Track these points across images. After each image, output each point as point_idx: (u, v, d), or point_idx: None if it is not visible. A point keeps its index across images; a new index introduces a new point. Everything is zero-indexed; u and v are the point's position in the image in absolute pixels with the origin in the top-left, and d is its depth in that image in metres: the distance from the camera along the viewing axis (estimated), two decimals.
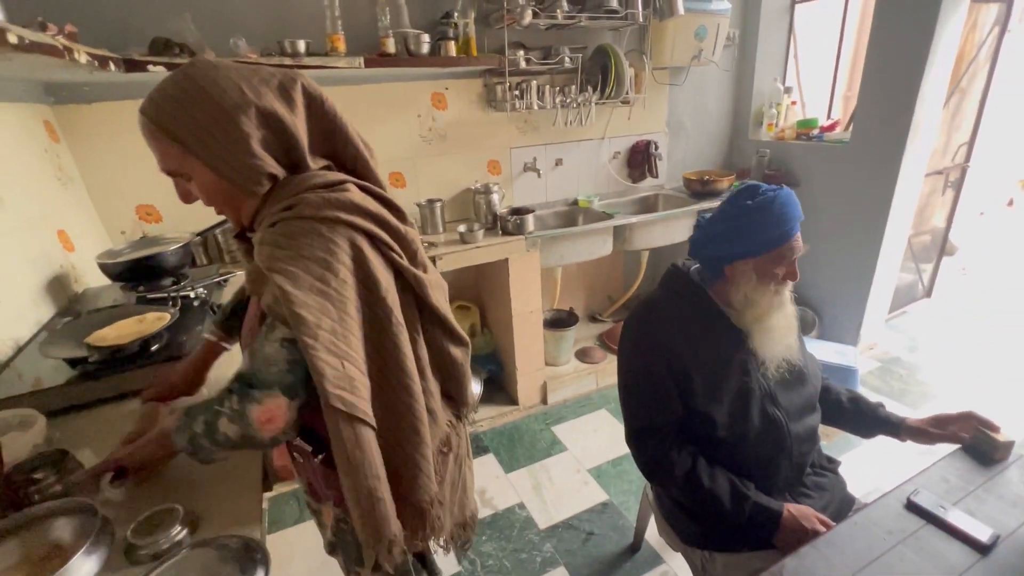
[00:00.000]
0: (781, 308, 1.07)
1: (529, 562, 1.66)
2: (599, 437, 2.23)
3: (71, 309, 1.38)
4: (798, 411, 1.10)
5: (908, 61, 2.17)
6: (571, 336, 2.60)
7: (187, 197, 0.76)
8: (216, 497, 0.80)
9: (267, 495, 1.98)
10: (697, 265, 1.16)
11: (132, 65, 1.44)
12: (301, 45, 1.72)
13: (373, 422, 0.73)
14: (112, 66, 1.39)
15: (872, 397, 1.21)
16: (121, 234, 1.88)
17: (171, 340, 1.17)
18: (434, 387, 0.87)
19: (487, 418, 2.37)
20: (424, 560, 1.35)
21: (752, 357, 1.07)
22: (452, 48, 1.97)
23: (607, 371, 2.59)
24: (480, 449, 2.20)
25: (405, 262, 0.80)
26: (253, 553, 0.66)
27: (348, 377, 0.70)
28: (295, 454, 0.93)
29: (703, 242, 1.08)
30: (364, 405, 0.72)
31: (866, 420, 1.16)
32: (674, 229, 2.52)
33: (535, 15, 2.02)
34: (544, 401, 2.48)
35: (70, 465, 0.77)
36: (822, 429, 1.16)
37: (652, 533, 1.61)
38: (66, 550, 0.64)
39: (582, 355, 2.69)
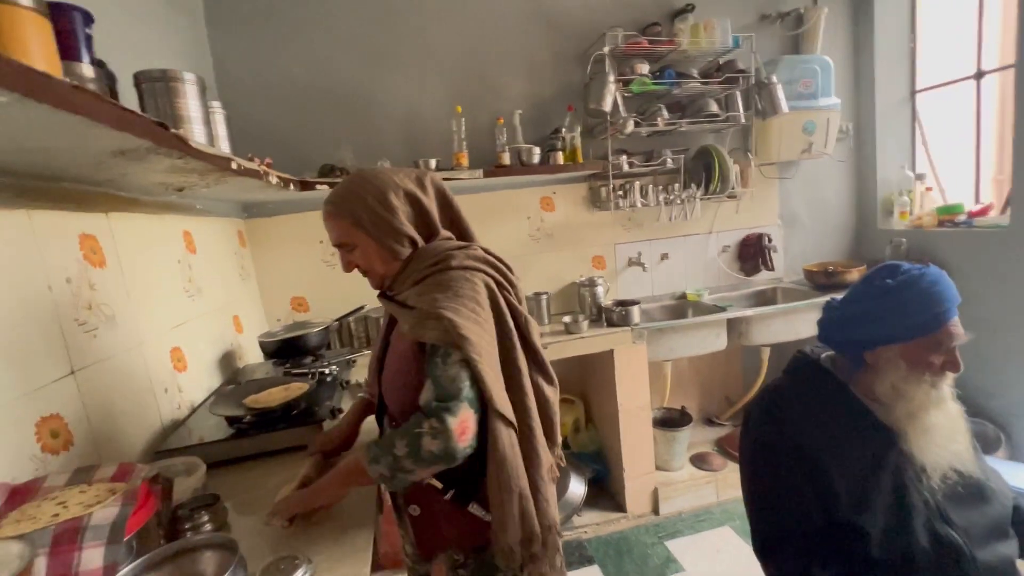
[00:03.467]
0: (940, 404, 0.92)
1: None
2: (723, 560, 1.93)
3: (234, 379, 1.62)
4: (983, 535, 0.89)
5: None
6: (684, 438, 2.39)
7: (349, 266, 0.96)
8: (330, 553, 0.83)
9: None
10: (829, 352, 1.06)
11: (305, 185, 1.81)
12: (432, 163, 2.04)
13: (518, 430, 0.86)
14: (292, 186, 1.76)
15: None
16: (277, 320, 2.22)
17: (308, 407, 1.31)
18: (538, 417, 0.95)
19: (592, 524, 2.19)
20: None
21: (909, 462, 0.91)
22: (560, 157, 2.19)
23: (728, 481, 2.30)
24: (584, 559, 2.01)
25: (515, 302, 0.96)
26: None
27: (500, 389, 0.84)
28: (414, 506, 0.97)
29: (837, 325, 0.99)
30: (512, 414, 0.85)
31: None
32: (797, 323, 2.32)
33: (637, 124, 2.19)
34: (655, 511, 2.25)
35: (220, 508, 0.87)
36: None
37: None
38: None
39: (698, 461, 2.44)
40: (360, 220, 0.90)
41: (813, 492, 0.92)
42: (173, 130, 0.83)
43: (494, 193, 2.37)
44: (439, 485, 0.91)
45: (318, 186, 1.86)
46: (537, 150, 2.15)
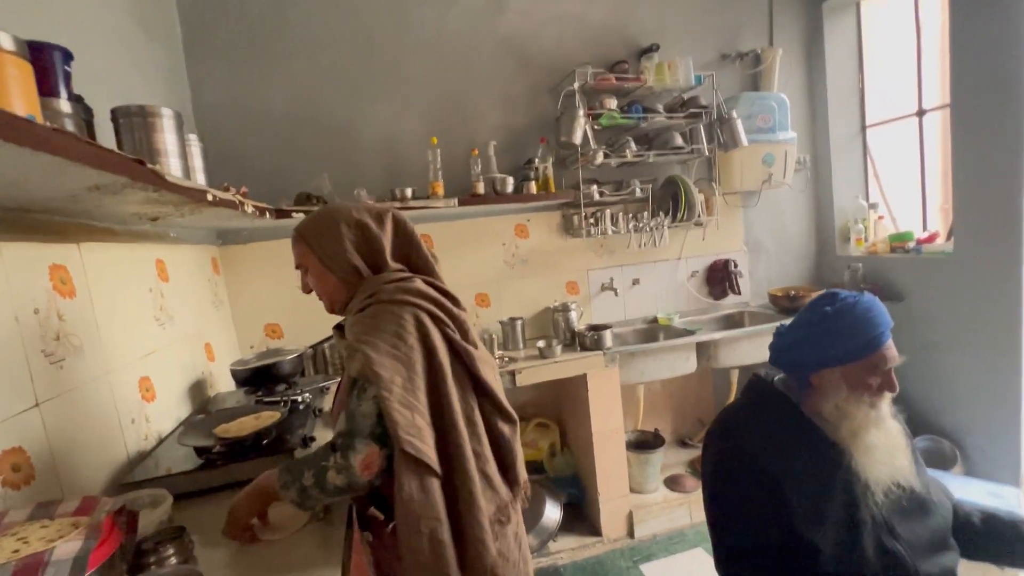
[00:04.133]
0: (880, 423, 0.97)
1: None
2: None
3: (204, 408, 1.60)
4: (925, 547, 0.94)
5: (1001, 173, 2.09)
6: (658, 460, 2.43)
7: (305, 287, 1.04)
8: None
9: None
10: (781, 375, 1.12)
11: (281, 214, 1.83)
12: (408, 191, 2.09)
13: (438, 469, 0.85)
14: (268, 215, 1.78)
15: None
16: (251, 348, 2.20)
17: (279, 436, 1.31)
18: (489, 454, 0.97)
19: (567, 549, 2.19)
20: None
21: (856, 479, 0.97)
22: (533, 187, 2.26)
23: (701, 502, 2.33)
24: None
25: (457, 336, 0.97)
26: None
27: (416, 426, 0.84)
28: (368, 533, 0.99)
29: (783, 348, 1.06)
30: (430, 452, 0.86)
31: (1005, 542, 0.96)
32: (763, 345, 2.36)
33: (606, 156, 2.29)
34: (631, 534, 2.26)
35: (187, 541, 0.87)
36: (981, 568, 0.97)
37: None
38: None
39: (672, 483, 2.48)
40: (312, 244, 0.99)
41: (771, 509, 0.96)
42: (150, 165, 0.86)
43: (470, 221, 2.43)
44: (380, 516, 0.93)
45: (294, 214, 1.88)
46: (511, 180, 2.23)
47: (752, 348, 2.38)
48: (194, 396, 1.63)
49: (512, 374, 2.07)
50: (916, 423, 2.50)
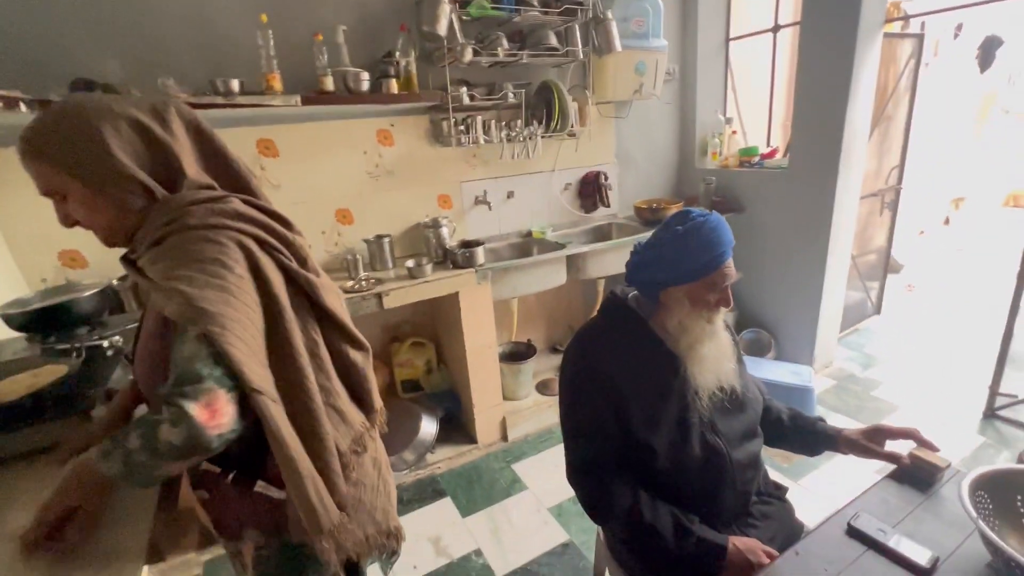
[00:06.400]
0: (713, 337, 1.05)
1: None
2: (560, 472, 2.12)
3: None
4: (738, 438, 1.07)
5: (833, 92, 2.29)
6: (529, 369, 2.55)
7: (67, 219, 0.77)
8: (95, 571, 0.70)
9: (204, 558, 1.82)
10: (635, 292, 1.14)
11: (44, 105, 1.38)
12: (235, 84, 1.70)
13: (282, 408, 0.75)
14: (23, 107, 1.33)
15: (830, 416, 1.18)
16: (42, 282, 1.77)
17: (74, 392, 1.07)
18: (339, 387, 0.88)
19: (444, 459, 2.27)
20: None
21: (688, 386, 1.05)
22: (394, 86, 1.98)
23: None
24: (436, 493, 2.10)
25: (295, 264, 0.83)
26: None
27: (256, 363, 0.72)
28: (201, 491, 0.87)
29: (638, 267, 1.07)
30: (273, 391, 0.74)
31: (806, 437, 1.14)
32: (627, 256, 2.52)
33: (476, 53, 2.06)
34: (504, 438, 2.40)
35: None
36: (782, 454, 1.14)
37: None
38: None
39: (543, 387, 2.64)
40: (63, 161, 0.71)
41: (615, 419, 1.02)
42: None
43: (321, 124, 2.10)
44: (216, 469, 0.81)
45: None
46: (366, 75, 1.92)
47: (617, 259, 2.50)
48: None
49: (379, 296, 1.94)
50: (745, 319, 2.90)
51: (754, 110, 3.11)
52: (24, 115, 1.34)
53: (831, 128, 2.34)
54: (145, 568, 0.74)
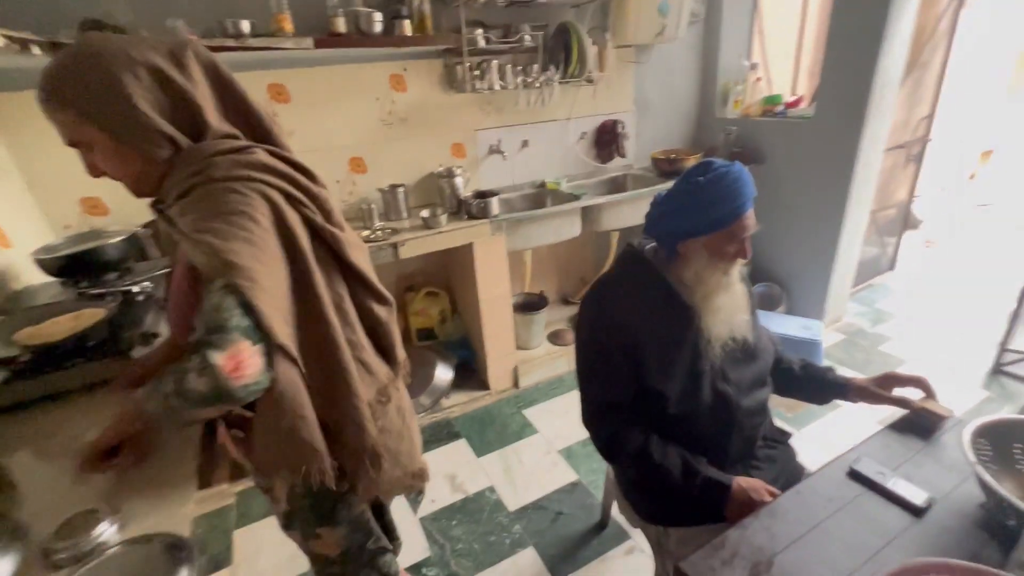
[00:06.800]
0: (728, 288, 1.06)
1: (498, 544, 1.67)
2: (570, 418, 2.25)
3: (5, 308, 1.32)
4: (748, 386, 1.11)
5: (866, 36, 2.17)
6: (541, 319, 2.60)
7: (94, 170, 0.78)
8: (149, 496, 0.77)
9: (236, 489, 1.95)
10: (653, 244, 1.15)
11: (56, 47, 1.36)
12: (245, 25, 1.65)
13: (301, 364, 0.78)
14: (36, 49, 1.31)
15: (836, 369, 1.21)
16: (65, 228, 1.81)
17: (113, 335, 1.13)
18: (364, 340, 0.91)
19: (458, 404, 2.36)
20: (383, 515, 1.27)
21: (701, 336, 1.07)
22: (407, 27, 1.91)
23: None
24: (451, 435, 2.20)
25: (320, 219, 0.83)
26: (178, 551, 0.64)
27: (280, 319, 0.73)
28: (236, 431, 0.92)
29: (657, 219, 1.08)
30: (293, 346, 0.76)
31: (817, 385, 1.18)
32: (642, 209, 2.46)
33: None
34: (516, 385, 2.48)
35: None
36: (786, 402, 1.18)
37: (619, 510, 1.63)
38: None
39: (554, 338, 2.70)
40: (86, 111, 0.70)
41: (629, 365, 1.06)
42: None
43: (332, 68, 2.04)
44: (248, 414, 0.85)
45: None
46: (379, 16, 1.85)
47: (632, 211, 2.48)
48: None
49: (395, 247, 1.97)
50: (757, 272, 2.90)
51: (781, 56, 2.97)
52: (38, 58, 1.33)
53: (863, 74, 2.23)
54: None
